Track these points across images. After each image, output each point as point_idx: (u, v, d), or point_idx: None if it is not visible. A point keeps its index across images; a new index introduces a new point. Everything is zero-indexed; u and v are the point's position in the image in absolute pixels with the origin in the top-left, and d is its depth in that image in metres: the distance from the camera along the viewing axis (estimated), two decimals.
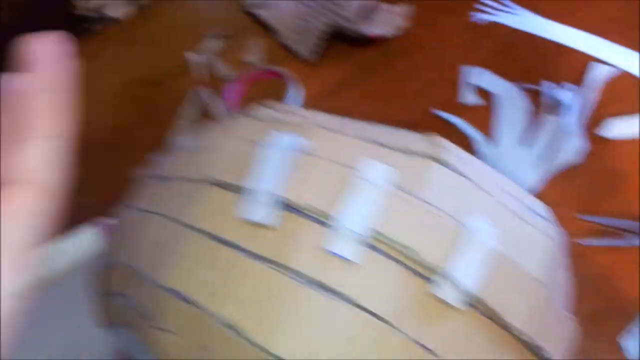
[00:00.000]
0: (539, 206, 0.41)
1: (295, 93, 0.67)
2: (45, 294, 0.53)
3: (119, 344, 0.43)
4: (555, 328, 0.36)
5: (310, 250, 0.34)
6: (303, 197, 0.35)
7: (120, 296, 0.40)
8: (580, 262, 0.55)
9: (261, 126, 0.39)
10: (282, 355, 0.33)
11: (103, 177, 0.65)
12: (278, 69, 0.69)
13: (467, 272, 0.34)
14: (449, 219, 0.35)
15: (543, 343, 0.35)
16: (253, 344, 0.33)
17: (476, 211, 0.36)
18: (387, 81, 0.68)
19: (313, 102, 0.67)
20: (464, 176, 0.37)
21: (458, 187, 0.36)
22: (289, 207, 0.35)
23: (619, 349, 0.51)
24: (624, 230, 0.56)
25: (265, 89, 0.69)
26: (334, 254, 0.33)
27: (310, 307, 0.33)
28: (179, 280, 0.36)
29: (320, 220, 0.34)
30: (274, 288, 0.34)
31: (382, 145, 0.37)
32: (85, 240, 0.58)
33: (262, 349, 0.33)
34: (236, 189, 0.36)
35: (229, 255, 0.35)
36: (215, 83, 0.70)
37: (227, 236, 0.35)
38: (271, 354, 0.33)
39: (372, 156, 0.36)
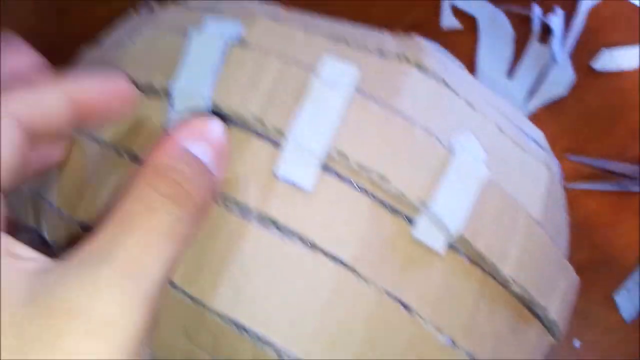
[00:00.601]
0: (534, 130, 0.33)
1: None
2: None
3: None
4: (555, 280, 0.29)
5: (258, 177, 0.26)
6: (248, 107, 0.26)
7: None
8: (568, 207, 0.48)
9: (192, 16, 0.30)
10: (224, 311, 0.25)
11: None
12: None
13: (451, 206, 0.26)
14: (428, 137, 0.27)
15: (541, 299, 0.28)
16: (186, 295, 0.25)
17: (461, 128, 0.28)
18: None
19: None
20: (447, 85, 0.29)
21: (439, 98, 0.28)
22: (228, 118, 0.27)
23: (612, 305, 0.45)
24: (616, 173, 0.49)
25: None
26: (287, 180, 0.26)
27: (258, 251, 0.25)
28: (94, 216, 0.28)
29: (271, 138, 0.26)
30: (213, 226, 0.26)
31: (346, 43, 0.29)
32: None
33: (199, 302, 0.25)
34: (155, 92, 0.28)
35: None
36: None
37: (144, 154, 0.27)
38: (209, 309, 0.25)
39: (334, 55, 0.28)
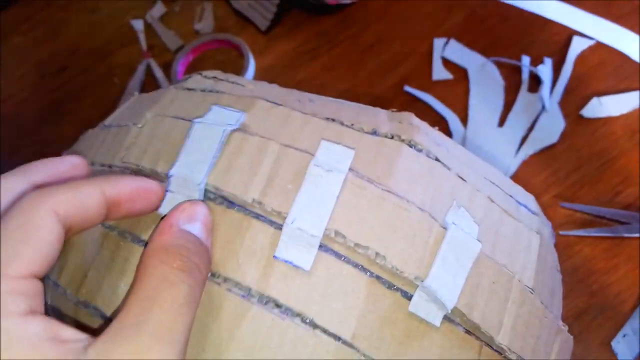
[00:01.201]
0: (525, 196, 0.34)
1: (251, 65, 0.59)
2: None
3: None
4: (550, 343, 0.30)
5: (258, 259, 0.27)
6: (249, 191, 0.27)
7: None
8: (562, 254, 0.49)
9: (193, 99, 0.31)
10: None
11: (39, 156, 0.57)
12: (230, 37, 0.61)
13: (445, 280, 0.27)
14: (422, 214, 0.28)
15: None
16: None
17: (454, 204, 0.29)
18: (350, 53, 0.60)
19: (268, 75, 0.60)
20: (439, 161, 0.30)
21: (432, 174, 0.29)
22: (230, 202, 0.28)
23: (609, 351, 0.45)
24: (609, 219, 0.50)
25: (220, 61, 0.61)
26: (286, 262, 0.26)
27: (259, 331, 0.26)
28: (95, 292, 0.28)
29: (269, 219, 0.27)
30: (215, 306, 0.26)
31: (342, 123, 0.30)
32: None
33: None
34: (160, 178, 0.29)
35: None
36: (164, 54, 0.62)
37: (146, 236, 0.28)
38: None
39: (330, 137, 0.29)
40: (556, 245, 0.48)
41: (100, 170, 0.31)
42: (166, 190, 0.28)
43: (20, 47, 0.67)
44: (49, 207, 0.24)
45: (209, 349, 0.26)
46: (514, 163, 0.52)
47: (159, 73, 0.60)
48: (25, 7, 0.69)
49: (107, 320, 0.28)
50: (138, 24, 0.64)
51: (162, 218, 0.27)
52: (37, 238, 0.23)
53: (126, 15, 0.66)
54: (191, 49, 0.61)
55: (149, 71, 0.61)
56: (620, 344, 0.46)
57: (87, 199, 0.25)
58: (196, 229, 0.26)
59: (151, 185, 0.27)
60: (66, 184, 0.25)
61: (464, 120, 0.55)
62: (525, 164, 0.52)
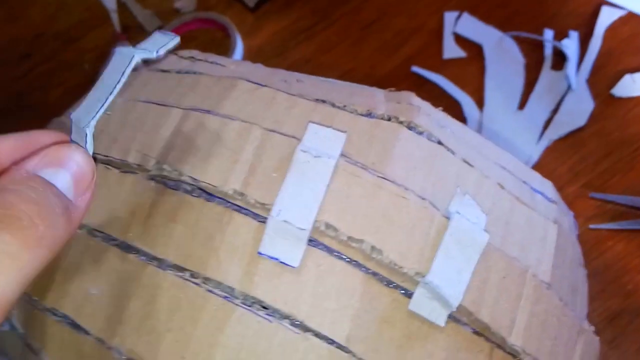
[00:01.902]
0: (541, 182, 0.35)
1: (238, 47, 0.60)
2: None
3: None
4: (571, 344, 0.31)
5: (241, 255, 0.28)
6: (229, 181, 0.28)
7: (5, 322, 0.33)
8: (591, 251, 0.50)
9: (168, 82, 0.32)
10: None
11: None
12: (214, 16, 0.62)
13: (449, 276, 0.28)
14: (423, 203, 0.29)
15: None
16: None
17: (458, 191, 0.30)
18: (349, 31, 0.61)
19: (258, 58, 0.61)
20: (442, 145, 0.31)
21: (434, 160, 0.30)
22: (209, 194, 0.29)
23: None
24: None
25: (204, 43, 0.63)
26: (272, 258, 0.27)
27: (244, 335, 0.27)
28: (64, 300, 0.29)
29: (252, 211, 0.28)
30: (195, 309, 0.27)
31: (333, 105, 0.31)
32: None
33: None
34: (130, 168, 0.30)
35: (130, 264, 0.29)
36: (140, 35, 0.64)
37: (129, 238, 0.29)
38: None
39: (319, 120, 0.30)
40: (586, 241, 0.50)
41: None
42: (70, 139, 0.26)
43: None
44: None
45: (189, 356, 0.27)
46: (536, 150, 0.53)
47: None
48: None
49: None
50: (110, 3, 0.65)
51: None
52: None
53: None
54: (171, 29, 0.62)
55: None
56: None
57: None
58: (60, 178, 0.24)
59: (48, 137, 0.25)
60: None
61: (480, 103, 0.56)
62: (549, 150, 0.53)
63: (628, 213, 0.51)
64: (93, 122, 0.25)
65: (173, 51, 0.37)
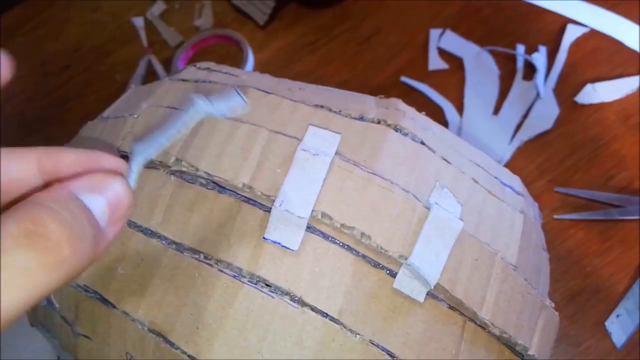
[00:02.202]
0: (510, 177, 0.35)
1: (250, 59, 0.61)
2: None
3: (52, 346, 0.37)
4: (534, 319, 0.31)
5: (248, 240, 0.28)
6: (239, 176, 0.29)
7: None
8: (555, 238, 0.50)
9: (187, 90, 0.33)
10: None
11: None
12: (229, 33, 0.63)
13: (428, 258, 0.28)
14: (406, 195, 0.29)
15: (520, 338, 0.30)
16: (184, 352, 0.28)
17: (437, 185, 0.30)
18: (347, 46, 0.62)
19: (267, 69, 0.61)
20: (424, 144, 0.31)
21: (417, 157, 0.31)
22: (222, 187, 0.29)
23: (603, 331, 0.47)
24: (603, 202, 0.51)
25: (220, 56, 0.63)
26: (275, 242, 0.28)
27: (250, 309, 0.27)
28: (95, 278, 0.30)
29: (259, 202, 0.28)
30: (208, 286, 0.28)
31: (330, 110, 0.31)
32: None
33: (194, 359, 0.27)
34: (154, 166, 0.30)
35: (152, 247, 0.29)
36: (165, 50, 0.64)
37: (151, 225, 0.29)
38: None
39: (318, 123, 0.30)
40: (550, 229, 0.50)
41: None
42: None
43: (23, 46, 0.68)
44: None
45: (203, 326, 0.27)
46: (509, 150, 0.53)
47: (159, 68, 0.62)
48: (27, 7, 0.71)
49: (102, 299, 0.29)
50: (139, 22, 0.66)
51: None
52: None
53: (127, 13, 0.68)
54: (191, 44, 0.62)
55: (149, 67, 0.63)
56: (614, 324, 0.47)
57: (15, 166, 0.21)
58: (97, 205, 0.21)
59: (108, 161, 0.22)
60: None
61: (460, 109, 0.56)
62: (520, 150, 0.54)
63: (588, 205, 0.51)
64: (142, 161, 0.24)
65: (191, 63, 0.37)
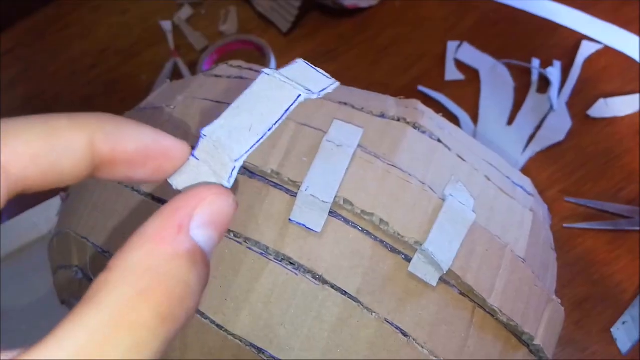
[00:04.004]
0: (521, 178, 0.38)
1: (272, 64, 0.64)
2: (14, 266, 0.50)
3: None
4: (540, 311, 0.33)
5: (275, 221, 0.31)
6: (268, 163, 0.31)
7: (69, 268, 0.36)
8: (564, 246, 0.52)
9: (220, 84, 0.36)
10: (244, 336, 0.30)
11: None
12: (253, 38, 0.66)
13: (442, 245, 0.31)
14: (423, 186, 0.32)
15: (527, 327, 0.32)
16: (212, 322, 0.30)
17: (452, 179, 0.33)
18: (366, 55, 0.65)
19: None
20: (441, 142, 0.34)
21: (433, 153, 0.33)
22: (251, 173, 0.32)
23: (609, 338, 0.49)
24: (611, 213, 0.53)
25: (244, 61, 0.66)
26: (300, 224, 0.30)
27: (275, 284, 0.30)
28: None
29: (285, 187, 0.31)
30: (236, 262, 0.31)
31: (353, 107, 0.34)
32: (52, 212, 0.55)
33: (221, 327, 0.30)
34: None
35: None
36: (190, 53, 0.67)
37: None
38: (231, 334, 0.30)
39: (341, 118, 0.33)
40: (560, 238, 0.52)
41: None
42: (191, 154, 0.21)
43: (53, 45, 0.72)
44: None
45: (230, 299, 0.30)
46: (521, 159, 0.56)
47: (185, 71, 0.65)
48: (57, 8, 0.74)
49: None
50: (167, 25, 0.69)
51: (172, 199, 0.19)
52: None
53: (154, 17, 0.71)
54: (216, 48, 0.66)
55: (176, 69, 0.66)
56: (620, 331, 0.49)
57: (60, 146, 0.18)
58: (210, 238, 0.18)
59: (171, 144, 0.20)
60: (41, 118, 0.18)
61: (475, 118, 0.59)
62: (532, 160, 0.56)
63: (597, 215, 0.53)
64: (245, 157, 0.21)
65: (225, 54, 0.40)
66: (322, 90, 0.23)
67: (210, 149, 0.21)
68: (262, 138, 0.21)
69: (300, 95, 0.22)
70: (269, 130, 0.21)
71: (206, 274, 0.18)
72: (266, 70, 0.22)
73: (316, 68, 0.24)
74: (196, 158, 0.21)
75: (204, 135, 0.21)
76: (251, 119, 0.21)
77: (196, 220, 0.18)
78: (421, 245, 0.30)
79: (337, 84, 0.24)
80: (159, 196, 0.33)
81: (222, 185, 0.20)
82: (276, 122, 0.21)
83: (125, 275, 0.16)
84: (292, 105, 0.22)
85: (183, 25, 0.69)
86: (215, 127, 0.21)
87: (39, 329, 0.52)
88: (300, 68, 0.23)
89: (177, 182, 0.21)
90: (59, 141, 0.18)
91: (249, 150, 0.21)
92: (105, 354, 0.15)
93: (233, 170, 0.21)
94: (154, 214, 0.18)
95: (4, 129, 0.17)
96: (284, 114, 0.22)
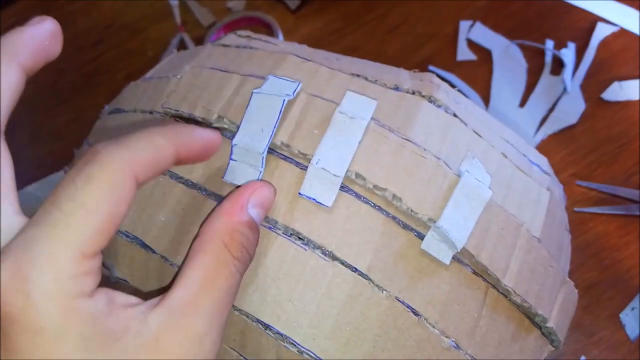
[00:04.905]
0: (538, 157, 0.37)
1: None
2: None
3: None
4: (554, 292, 0.32)
5: (285, 195, 0.30)
6: (277, 134, 0.30)
7: None
8: (574, 230, 0.51)
9: (229, 54, 0.34)
10: (251, 312, 0.29)
11: (74, 122, 0.64)
12: (260, 15, 0.64)
13: (456, 222, 0.30)
14: (438, 161, 0.31)
15: (540, 309, 0.31)
16: None
17: (468, 155, 0.32)
18: (375, 34, 0.63)
19: None
20: (457, 117, 0.33)
21: (449, 128, 0.32)
22: None
23: (617, 323, 0.48)
24: (623, 198, 0.52)
25: None
26: (310, 198, 0.29)
27: (284, 259, 0.29)
28: (137, 224, 0.32)
29: (295, 160, 0.30)
30: None
31: (366, 79, 0.33)
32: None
33: None
34: (197, 122, 0.32)
35: (193, 198, 0.31)
36: (197, 29, 0.66)
37: (193, 177, 0.31)
38: (238, 309, 0.29)
39: (354, 90, 0.32)
40: (571, 221, 0.51)
41: (142, 116, 0.34)
42: (230, 159, 0.30)
43: (57, 20, 0.70)
44: (129, 170, 0.23)
45: None
46: (533, 142, 0.55)
47: (191, 46, 0.64)
48: None
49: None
50: (173, 0, 0.68)
51: (232, 191, 0.28)
52: (117, 212, 0.22)
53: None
54: (223, 25, 0.64)
55: (181, 46, 0.65)
56: (629, 317, 0.48)
57: (163, 159, 0.25)
58: (259, 215, 0.28)
59: (215, 138, 0.28)
60: (141, 137, 0.24)
61: (487, 100, 0.57)
62: (544, 143, 0.55)
63: (609, 200, 0.52)
64: (266, 149, 0.29)
65: (232, 31, 0.39)
66: (295, 91, 0.31)
67: (241, 151, 0.30)
68: (272, 134, 0.30)
69: (284, 100, 0.30)
70: (274, 127, 0.30)
71: (257, 238, 0.28)
72: (255, 90, 0.31)
73: (282, 77, 0.32)
74: (235, 160, 0.30)
75: (235, 144, 0.30)
76: (260, 125, 0.30)
77: (251, 202, 0.28)
78: (435, 222, 0.29)
79: (301, 83, 0.31)
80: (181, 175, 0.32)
81: (266, 181, 0.30)
82: (277, 121, 0.30)
83: (213, 236, 0.26)
84: (282, 107, 0.30)
85: (190, 1, 0.68)
86: (239, 137, 0.30)
87: None
88: (274, 82, 0.32)
89: (229, 178, 0.30)
90: (161, 156, 0.25)
91: (267, 144, 0.30)
92: (216, 283, 0.25)
93: (262, 159, 0.30)
94: (226, 197, 0.28)
95: (133, 150, 0.24)
96: (279, 115, 0.30)
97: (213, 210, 0.27)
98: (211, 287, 0.25)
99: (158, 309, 0.23)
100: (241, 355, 0.30)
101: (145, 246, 0.31)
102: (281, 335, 0.29)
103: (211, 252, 0.25)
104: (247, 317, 0.29)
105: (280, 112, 0.30)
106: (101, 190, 0.22)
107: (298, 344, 0.28)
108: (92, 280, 0.22)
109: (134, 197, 0.23)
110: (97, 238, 0.22)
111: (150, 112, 0.34)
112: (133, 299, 0.24)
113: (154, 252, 0.31)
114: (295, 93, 0.31)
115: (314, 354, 0.28)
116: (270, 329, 0.29)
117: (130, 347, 0.22)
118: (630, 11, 0.60)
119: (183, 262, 0.26)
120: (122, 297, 0.24)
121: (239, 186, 0.29)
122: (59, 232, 0.21)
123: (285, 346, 0.28)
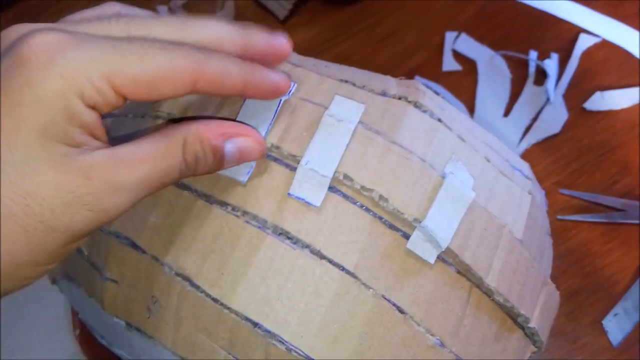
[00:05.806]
0: (520, 162, 0.38)
1: None
2: None
3: (71, 300, 0.39)
4: (536, 293, 0.33)
5: (274, 195, 0.31)
6: (268, 138, 0.31)
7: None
8: (557, 238, 0.52)
9: None
10: (240, 310, 0.30)
11: None
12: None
13: (441, 223, 0.31)
14: (423, 164, 0.32)
15: (522, 309, 0.32)
16: (208, 296, 0.30)
17: (452, 158, 0.33)
18: (364, 44, 0.65)
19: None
20: (442, 122, 0.34)
21: (434, 132, 0.33)
22: None
23: (600, 330, 0.49)
24: (605, 206, 0.53)
25: None
26: (299, 198, 0.30)
27: (272, 258, 0.30)
28: (127, 225, 0.32)
29: (285, 162, 0.31)
30: (234, 236, 0.30)
31: (354, 85, 0.34)
32: None
33: (217, 301, 0.30)
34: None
35: (184, 199, 0.32)
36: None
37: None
38: (227, 308, 0.30)
39: (342, 94, 0.33)
40: (554, 229, 0.52)
41: (134, 120, 0.35)
42: None
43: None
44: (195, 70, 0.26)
45: (227, 272, 0.30)
46: (517, 151, 0.56)
47: None
48: None
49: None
50: (163, 10, 0.69)
51: (229, 119, 0.30)
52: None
53: (151, 2, 0.71)
54: None
55: None
56: (611, 323, 0.49)
57: (230, 81, 0.27)
58: (232, 154, 0.29)
59: (283, 84, 0.29)
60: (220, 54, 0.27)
61: (471, 109, 0.59)
62: (528, 152, 0.56)
63: (591, 208, 0.54)
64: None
65: None
66: (290, 92, 0.32)
67: None
68: (268, 129, 0.31)
69: (281, 99, 0.32)
70: (270, 125, 0.31)
71: (211, 169, 0.29)
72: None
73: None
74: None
75: None
76: (255, 123, 0.31)
77: (232, 139, 0.29)
78: (420, 222, 0.30)
79: (295, 85, 0.33)
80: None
81: (261, 140, 0.30)
82: (272, 119, 0.31)
83: (181, 131, 0.27)
84: (278, 107, 0.32)
85: (179, 11, 0.69)
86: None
87: (29, 315, 0.51)
88: None
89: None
90: (227, 77, 0.27)
91: (268, 128, 0.31)
92: (156, 163, 0.26)
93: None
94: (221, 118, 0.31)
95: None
96: (275, 113, 0.32)
97: (202, 116, 0.29)
98: (150, 163, 0.26)
99: (106, 149, 0.25)
100: (230, 354, 0.31)
101: (135, 246, 0.32)
102: (270, 333, 0.29)
103: (170, 139, 0.27)
104: (236, 315, 0.30)
105: (277, 111, 0.31)
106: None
107: (286, 342, 0.29)
108: (93, 100, 0.24)
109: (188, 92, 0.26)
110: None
111: (142, 116, 0.35)
112: (105, 139, 0.26)
113: (144, 252, 0.32)
114: (291, 93, 0.32)
115: (302, 351, 0.29)
116: (258, 327, 0.29)
117: (71, 161, 0.24)
118: (613, 23, 0.62)
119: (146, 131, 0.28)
120: (103, 133, 0.26)
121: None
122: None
123: (273, 344, 0.29)
